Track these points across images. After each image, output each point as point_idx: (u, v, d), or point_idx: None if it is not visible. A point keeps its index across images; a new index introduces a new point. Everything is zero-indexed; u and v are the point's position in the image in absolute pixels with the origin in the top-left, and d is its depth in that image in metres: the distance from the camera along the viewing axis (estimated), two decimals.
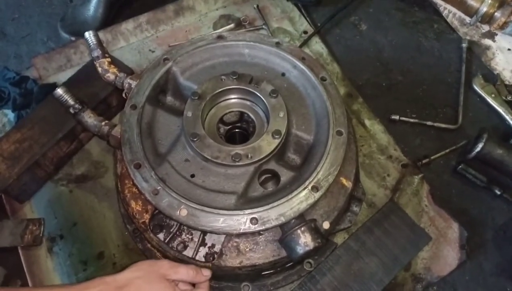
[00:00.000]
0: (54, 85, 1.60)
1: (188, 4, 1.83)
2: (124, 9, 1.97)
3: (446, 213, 1.42)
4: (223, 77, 1.27)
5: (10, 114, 1.62)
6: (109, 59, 1.36)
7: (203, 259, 1.17)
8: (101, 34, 1.71)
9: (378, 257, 1.30)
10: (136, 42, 1.77)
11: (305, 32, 1.79)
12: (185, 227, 1.18)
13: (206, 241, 1.18)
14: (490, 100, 1.66)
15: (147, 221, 1.20)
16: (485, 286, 1.38)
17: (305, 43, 1.75)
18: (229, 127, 1.34)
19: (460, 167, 1.53)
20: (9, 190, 1.39)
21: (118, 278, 1.01)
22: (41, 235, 1.37)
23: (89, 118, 1.30)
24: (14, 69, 1.66)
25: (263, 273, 1.24)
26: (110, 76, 1.35)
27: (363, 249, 1.31)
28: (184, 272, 1.07)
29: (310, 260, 1.29)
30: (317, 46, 1.78)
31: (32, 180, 1.44)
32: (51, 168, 1.49)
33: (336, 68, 1.72)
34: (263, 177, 1.21)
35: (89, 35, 1.34)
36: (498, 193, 1.49)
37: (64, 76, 1.65)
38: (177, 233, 1.18)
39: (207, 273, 1.10)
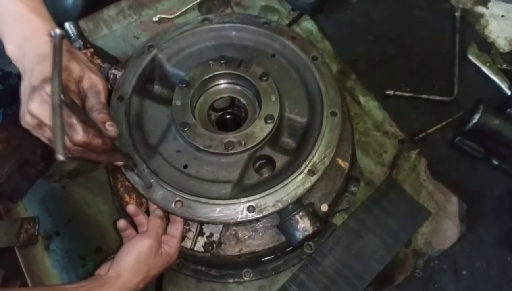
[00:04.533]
0: None
1: None
2: None
3: (445, 187, 1.41)
4: (211, 62, 1.24)
5: None
6: (91, 50, 1.31)
7: (202, 249, 1.16)
8: (82, 22, 1.65)
9: (378, 236, 1.30)
10: (119, 29, 1.70)
11: (294, 9, 1.73)
12: None
13: (204, 231, 1.17)
14: (485, 69, 1.63)
15: None
16: (485, 257, 1.38)
17: (294, 21, 1.70)
18: (220, 113, 1.31)
19: (457, 139, 1.51)
20: (0, 190, 1.37)
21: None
22: (36, 233, 1.35)
23: None
24: None
25: (263, 259, 1.23)
26: None
27: (363, 228, 1.30)
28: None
29: (310, 243, 1.28)
30: (307, 23, 1.72)
31: (23, 178, 1.41)
32: (42, 165, 1.45)
33: (327, 46, 1.68)
34: (258, 163, 1.19)
35: (69, 26, 1.29)
36: (496, 163, 1.47)
37: None
38: None
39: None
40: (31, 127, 0.91)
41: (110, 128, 0.94)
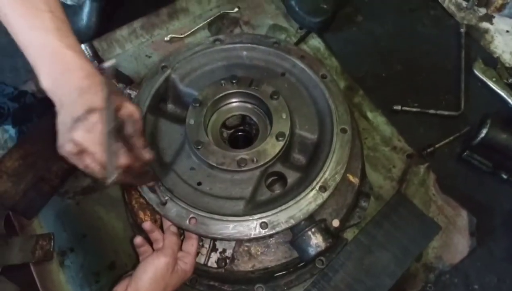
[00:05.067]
0: None
1: (182, 6, 1.81)
2: (116, 14, 1.94)
3: (454, 201, 1.42)
4: (223, 81, 1.27)
5: (11, 130, 1.61)
6: None
7: (215, 265, 1.17)
8: (96, 43, 1.69)
9: (389, 251, 1.30)
10: (131, 48, 1.75)
11: (301, 28, 1.77)
12: None
13: (217, 246, 1.19)
14: (491, 84, 1.65)
15: None
16: (496, 272, 1.38)
17: (302, 39, 1.74)
18: (232, 131, 1.34)
19: (465, 153, 1.52)
20: (16, 207, 1.39)
21: None
22: (51, 249, 1.37)
23: None
24: (11, 82, 1.64)
25: (275, 274, 1.24)
26: None
27: (373, 244, 1.31)
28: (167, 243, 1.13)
29: (322, 258, 1.28)
30: (314, 41, 1.76)
31: (38, 195, 1.44)
32: (56, 182, 1.48)
33: (334, 63, 1.71)
34: (270, 180, 1.21)
35: (85, 47, 1.33)
36: (505, 177, 1.48)
37: None
38: None
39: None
40: (71, 155, 0.96)
41: (147, 153, 1.01)
